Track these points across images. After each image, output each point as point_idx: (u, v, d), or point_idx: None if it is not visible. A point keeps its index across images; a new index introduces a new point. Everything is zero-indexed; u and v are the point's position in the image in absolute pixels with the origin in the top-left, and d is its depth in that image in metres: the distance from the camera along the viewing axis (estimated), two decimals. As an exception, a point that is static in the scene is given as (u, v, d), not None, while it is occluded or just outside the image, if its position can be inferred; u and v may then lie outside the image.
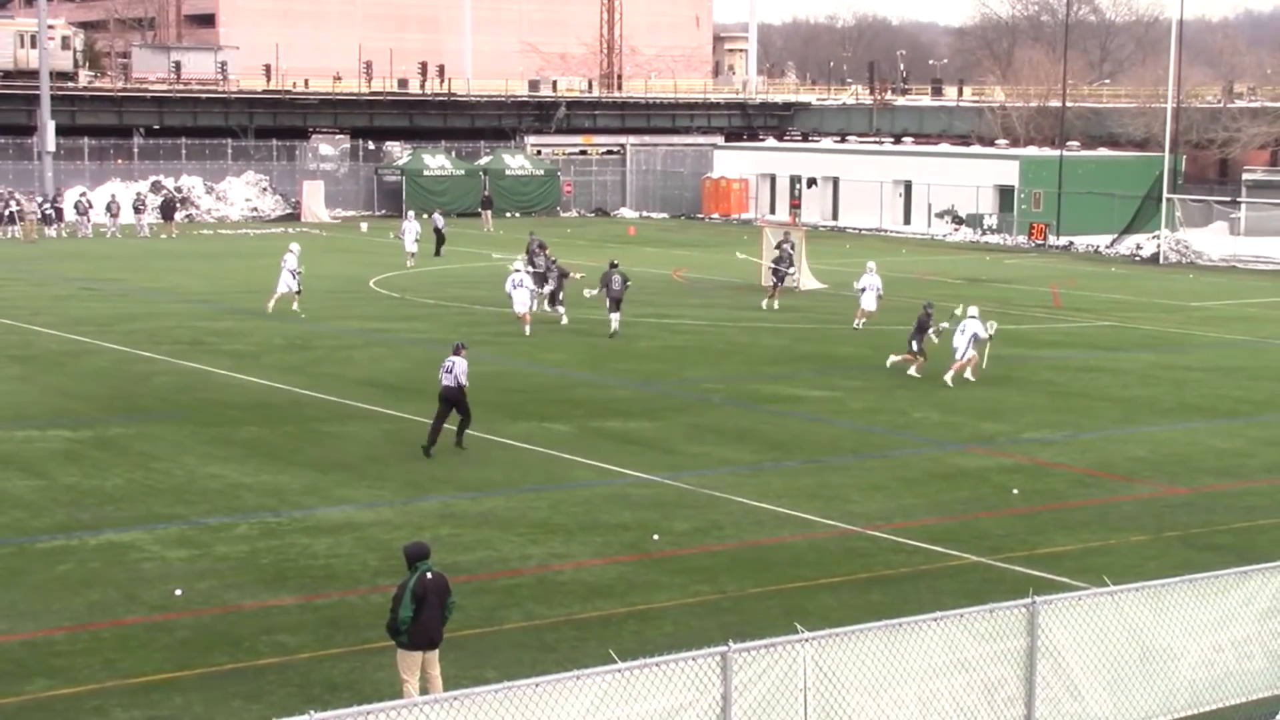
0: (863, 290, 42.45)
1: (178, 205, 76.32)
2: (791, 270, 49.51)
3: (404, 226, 60.15)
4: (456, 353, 26.97)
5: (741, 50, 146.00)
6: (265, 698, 15.71)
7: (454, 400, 26.90)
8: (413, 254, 58.55)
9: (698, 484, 24.89)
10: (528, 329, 40.41)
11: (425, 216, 66.52)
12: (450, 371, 26.80)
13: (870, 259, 46.96)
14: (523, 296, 40.98)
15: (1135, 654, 14.61)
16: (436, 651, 15.26)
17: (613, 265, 41.31)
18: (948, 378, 34.07)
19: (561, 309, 42.91)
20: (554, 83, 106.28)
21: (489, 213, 79.44)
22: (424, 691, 14.94)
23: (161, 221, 72.51)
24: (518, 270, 41.96)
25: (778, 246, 49.79)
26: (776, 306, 46.61)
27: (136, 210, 72.26)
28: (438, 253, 62.08)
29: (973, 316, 34.60)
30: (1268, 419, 31.47)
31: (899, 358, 35.54)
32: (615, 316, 40.66)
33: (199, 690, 15.90)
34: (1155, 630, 14.85)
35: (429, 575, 15.03)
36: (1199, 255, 67.20)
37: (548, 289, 43.47)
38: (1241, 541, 21.96)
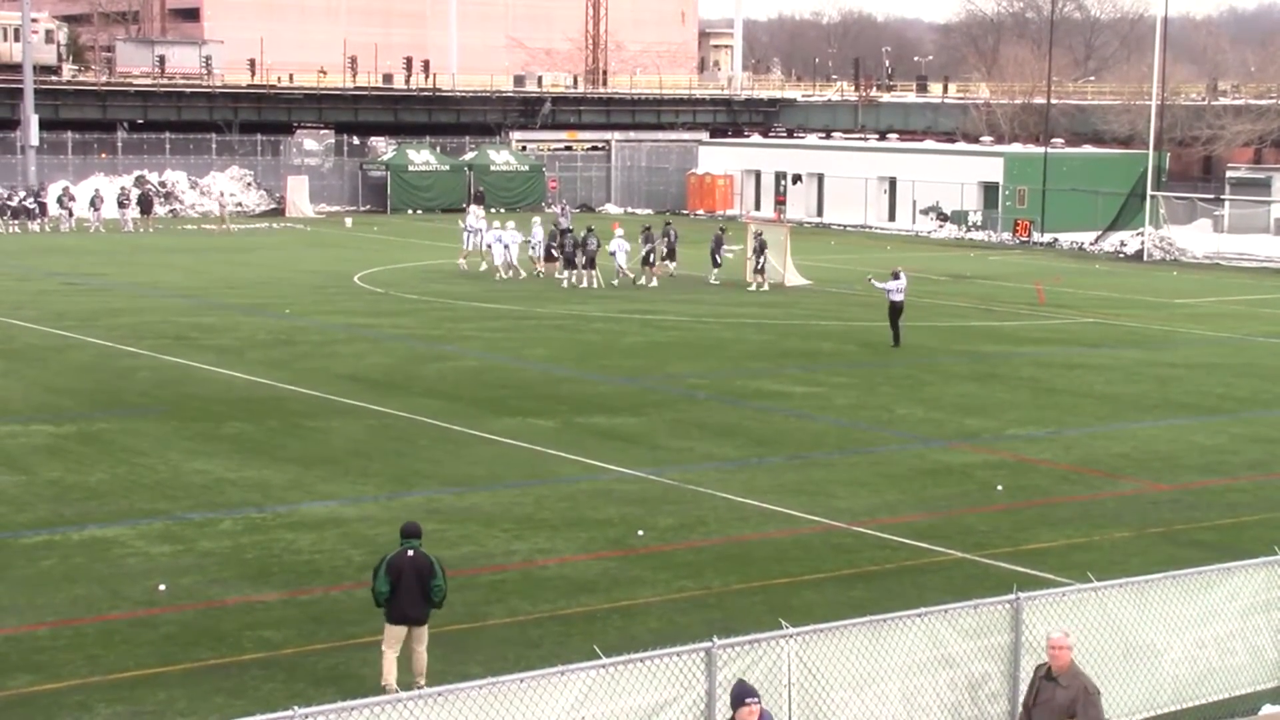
0: None
1: (154, 200, 75.78)
2: (730, 254, 52.98)
3: (483, 229, 55.03)
4: (896, 277, 38.09)
5: (727, 46, 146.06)
6: (249, 693, 15.68)
7: (900, 310, 38.02)
8: (518, 262, 53.34)
9: (682, 480, 24.88)
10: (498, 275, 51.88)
11: (551, 209, 67.63)
12: (902, 291, 38.07)
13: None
14: (498, 250, 52.45)
15: (1119, 650, 14.63)
16: (425, 628, 15.64)
17: (589, 230, 52.10)
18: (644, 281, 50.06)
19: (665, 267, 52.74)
20: (539, 78, 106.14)
21: (479, 207, 79.26)
22: (408, 666, 15.50)
23: (140, 216, 72.28)
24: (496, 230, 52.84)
25: (756, 237, 51.01)
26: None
27: (120, 205, 72.03)
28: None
29: (619, 236, 51.78)
30: (1251, 415, 31.53)
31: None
32: (592, 272, 50.86)
33: (182, 686, 15.87)
34: (1139, 626, 14.88)
35: (409, 553, 15.37)
36: (1183, 252, 67.33)
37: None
38: (1225, 538, 22.00)
